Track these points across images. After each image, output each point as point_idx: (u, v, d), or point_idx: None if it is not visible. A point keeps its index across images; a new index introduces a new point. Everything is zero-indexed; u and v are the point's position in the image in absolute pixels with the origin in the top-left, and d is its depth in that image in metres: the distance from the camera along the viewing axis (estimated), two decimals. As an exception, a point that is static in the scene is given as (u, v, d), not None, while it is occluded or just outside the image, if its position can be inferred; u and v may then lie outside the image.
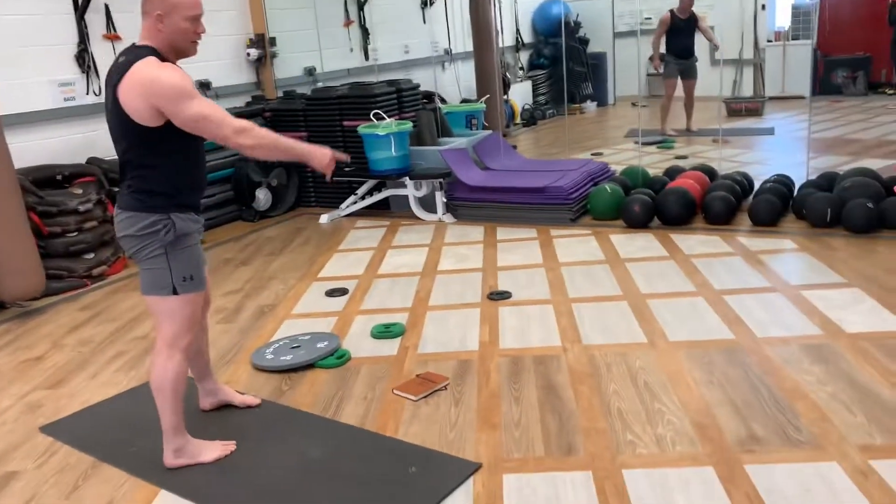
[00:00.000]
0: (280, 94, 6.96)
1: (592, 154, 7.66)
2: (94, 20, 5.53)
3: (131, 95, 2.24)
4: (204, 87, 6.37)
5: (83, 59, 5.46)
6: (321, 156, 2.49)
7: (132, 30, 5.74)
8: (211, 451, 2.59)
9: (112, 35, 5.64)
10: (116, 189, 5.40)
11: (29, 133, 5.13)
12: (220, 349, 3.61)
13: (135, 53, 2.32)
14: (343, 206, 6.16)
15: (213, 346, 3.63)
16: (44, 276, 4.45)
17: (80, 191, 4.95)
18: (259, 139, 2.33)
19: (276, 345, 3.54)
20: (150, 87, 2.23)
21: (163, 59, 2.33)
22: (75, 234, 4.84)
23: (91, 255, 4.92)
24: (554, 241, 4.95)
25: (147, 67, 2.26)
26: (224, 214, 6.22)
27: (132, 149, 2.35)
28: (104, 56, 5.56)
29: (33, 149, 5.13)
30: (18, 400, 3.24)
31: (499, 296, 3.98)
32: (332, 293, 4.27)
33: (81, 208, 4.87)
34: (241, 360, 3.46)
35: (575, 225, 5.28)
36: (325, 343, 3.48)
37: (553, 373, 3.08)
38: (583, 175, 5.71)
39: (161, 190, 2.35)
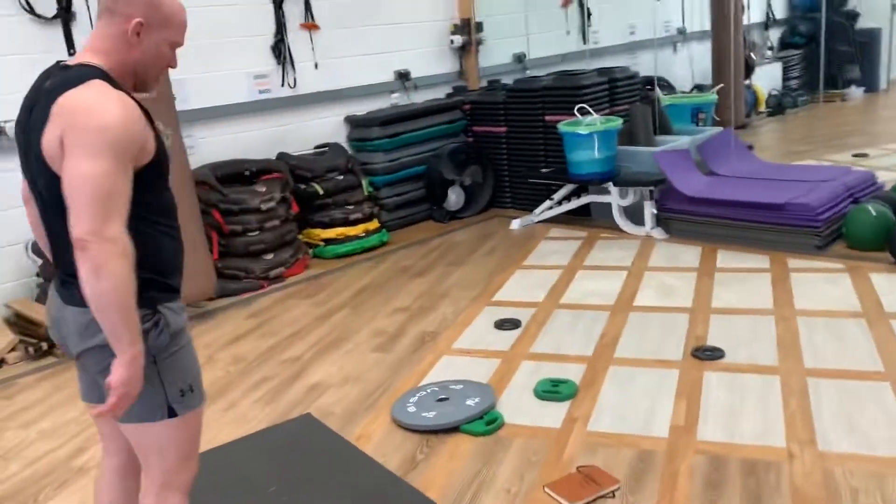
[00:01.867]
0: (484, 84, 6.43)
1: (854, 155, 6.25)
2: (292, 9, 5.35)
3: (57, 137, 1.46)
4: (403, 77, 6.01)
5: (279, 50, 5.30)
6: (136, 382, 1.49)
7: (331, 18, 5.50)
8: None
9: (309, 24, 5.43)
10: (303, 186, 5.35)
11: (223, 126, 5.07)
12: (366, 386, 3.17)
13: (69, 75, 1.51)
14: (537, 210, 5.50)
15: (362, 379, 3.21)
16: (215, 277, 4.32)
17: (263, 188, 4.79)
18: (114, 281, 1.40)
19: (423, 392, 3.01)
20: (76, 119, 1.44)
21: (114, 84, 1.53)
22: (256, 233, 4.69)
23: (270, 256, 4.75)
24: (791, 276, 3.91)
25: (91, 98, 1.46)
26: (414, 214, 5.83)
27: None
28: (300, 47, 5.38)
29: (227, 142, 5.07)
30: (151, 426, 3.03)
31: (707, 353, 3.12)
32: (502, 325, 3.65)
33: (264, 207, 4.70)
34: (383, 407, 2.97)
35: (823, 255, 4.17)
36: (478, 400, 2.88)
37: (767, 492, 2.21)
38: (838, 188, 4.53)
39: (140, 273, 1.48)
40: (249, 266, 4.66)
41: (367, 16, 5.77)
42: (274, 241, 4.75)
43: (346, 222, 5.21)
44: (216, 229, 4.64)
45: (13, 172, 4.16)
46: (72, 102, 1.45)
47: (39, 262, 4.19)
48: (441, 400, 2.92)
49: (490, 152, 5.98)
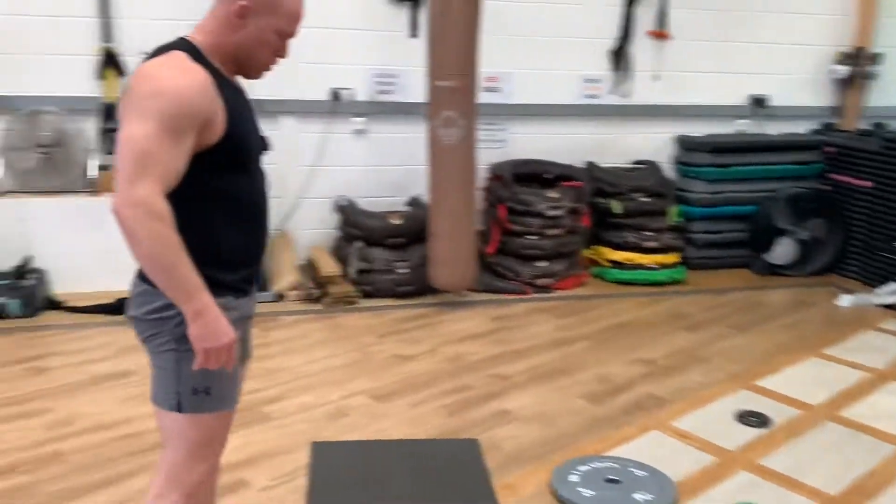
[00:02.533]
0: (863, 126, 5.34)
1: None
2: (644, 14, 5.00)
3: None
4: (758, 102, 5.28)
5: (618, 55, 5.01)
6: (220, 332, 1.44)
7: (687, 28, 5.04)
8: None
9: (660, 32, 5.04)
10: (602, 200, 4.99)
11: (540, 125, 4.99)
12: (550, 433, 2.86)
13: (160, 48, 1.50)
14: (880, 290, 4.42)
15: (552, 423, 2.90)
16: (476, 269, 4.29)
17: (556, 195, 4.61)
18: (145, 240, 1.35)
19: (598, 464, 2.60)
20: (135, 86, 1.42)
21: (205, 58, 1.49)
22: (535, 237, 4.55)
23: (543, 264, 4.58)
24: None
25: (154, 67, 1.43)
26: (726, 257, 5.13)
27: None
28: (643, 55, 5.03)
29: (538, 141, 4.98)
30: (343, 398, 3.12)
31: None
32: (745, 417, 3.00)
33: (550, 213, 4.54)
34: (546, 464, 2.64)
35: None
36: (648, 498, 2.39)
37: None
38: None
39: (201, 250, 1.48)
40: (519, 268, 4.55)
41: (731, 29, 5.15)
42: (551, 250, 4.57)
43: (639, 248, 4.79)
44: (499, 224, 4.61)
45: (335, 134, 4.68)
46: (139, 71, 1.44)
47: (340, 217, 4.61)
48: (610, 481, 2.49)
49: (845, 207, 4.98)
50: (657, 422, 2.98)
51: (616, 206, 4.80)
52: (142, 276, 1.52)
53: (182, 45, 1.49)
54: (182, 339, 1.49)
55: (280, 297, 4.25)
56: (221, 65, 1.53)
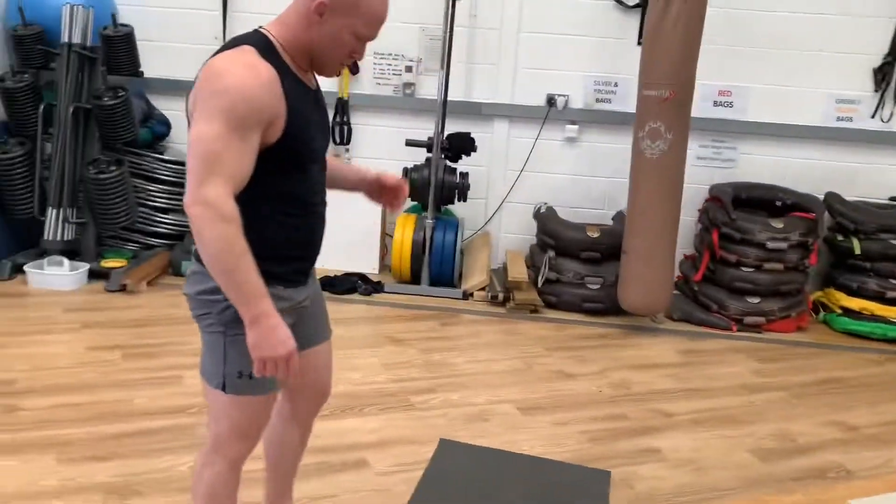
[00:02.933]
0: None
1: None
2: (923, 27, 4.27)
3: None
4: None
5: (884, 75, 4.34)
6: (276, 342, 1.44)
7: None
8: None
9: (943, 49, 4.27)
10: (839, 238, 4.29)
11: (777, 147, 4.50)
12: (696, 482, 2.55)
13: (233, 40, 1.49)
14: None
15: (704, 472, 2.61)
16: (671, 295, 3.97)
17: (780, 225, 4.11)
18: (212, 244, 1.36)
19: None
20: (202, 82, 1.42)
21: (277, 54, 1.49)
22: (751, 270, 4.10)
23: (755, 300, 4.11)
24: None
25: (222, 62, 1.42)
26: None
27: None
28: (914, 74, 4.30)
29: (768, 165, 4.50)
30: (489, 403, 3.07)
31: None
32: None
33: (770, 245, 4.06)
34: (684, 514, 2.36)
35: None
36: None
37: None
38: None
39: (260, 225, 1.52)
40: (726, 301, 4.13)
41: None
42: (767, 286, 4.08)
43: (881, 298, 4.11)
44: (710, 250, 4.22)
45: (546, 140, 4.60)
46: (207, 66, 1.42)
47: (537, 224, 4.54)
48: (745, 549, 2.15)
49: None
50: (834, 496, 2.52)
51: (857, 245, 4.15)
52: (197, 257, 1.56)
53: (254, 38, 1.49)
54: (229, 324, 1.52)
55: (467, 296, 4.30)
56: (294, 60, 1.53)
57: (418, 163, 4.41)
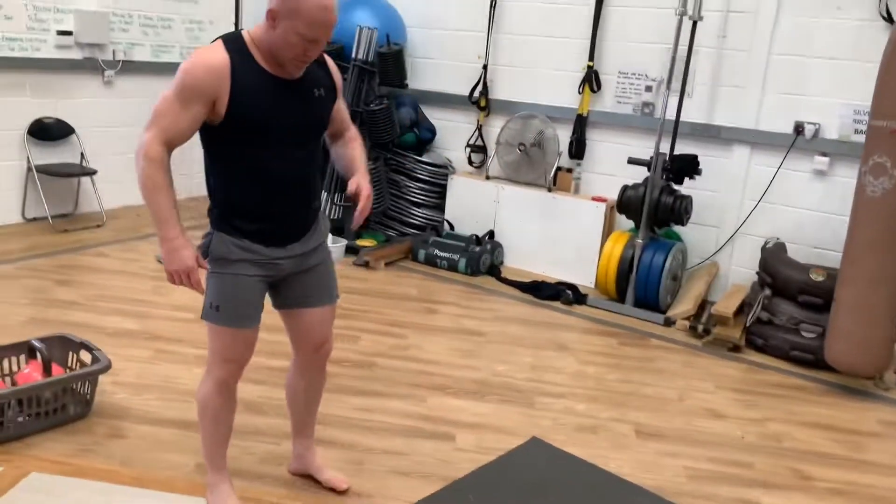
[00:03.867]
0: None
1: None
2: None
3: None
4: None
5: None
6: (177, 260, 1.91)
7: None
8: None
9: None
10: None
11: None
12: None
13: (220, 36, 1.94)
14: None
15: None
16: (889, 358, 3.40)
17: None
18: (139, 176, 1.85)
19: None
20: None
21: (245, 50, 1.88)
22: None
23: None
24: None
25: (198, 49, 1.92)
26: None
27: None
28: None
29: None
30: (610, 420, 3.05)
31: None
32: None
33: None
34: None
35: None
36: None
37: None
38: None
39: (215, 200, 2.01)
40: (978, 381, 3.39)
41: None
42: None
43: None
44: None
45: (791, 171, 4.20)
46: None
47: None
48: None
49: None
50: None
51: None
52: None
53: (231, 36, 1.91)
54: (211, 263, 1.98)
55: (669, 322, 4.17)
56: (264, 57, 1.89)
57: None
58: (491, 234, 5.08)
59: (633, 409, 3.16)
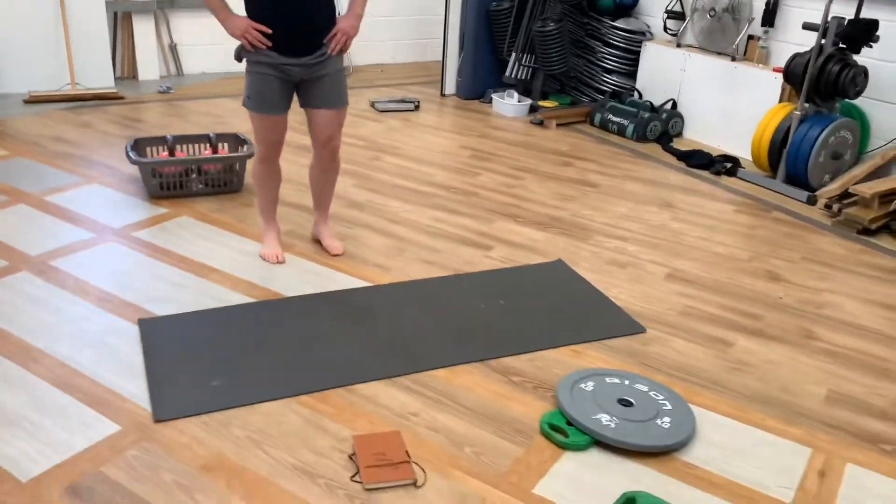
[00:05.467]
0: None
1: None
2: None
3: None
4: None
5: None
6: (232, 28, 2.61)
7: None
8: (266, 247, 3.00)
9: None
10: None
11: None
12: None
13: None
14: None
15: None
16: None
17: None
18: None
19: (614, 378, 2.23)
20: None
21: None
22: None
23: None
24: None
25: None
26: None
27: None
28: None
29: None
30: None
31: None
32: None
33: None
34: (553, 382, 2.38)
35: None
36: (670, 422, 2.07)
37: None
38: None
39: (247, 13, 2.62)
40: None
41: None
42: None
43: None
44: None
45: None
46: None
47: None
48: (624, 404, 2.17)
49: None
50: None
51: None
52: None
53: None
54: (247, 64, 2.66)
55: (811, 201, 3.94)
56: None
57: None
58: (673, 103, 5.05)
59: (684, 258, 3.25)
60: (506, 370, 2.38)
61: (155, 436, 2.01)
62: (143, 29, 5.65)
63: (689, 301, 2.89)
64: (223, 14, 2.62)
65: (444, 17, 5.60)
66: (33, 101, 5.02)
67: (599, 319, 2.72)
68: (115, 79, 5.57)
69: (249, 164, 3.42)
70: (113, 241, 3.12)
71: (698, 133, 4.92)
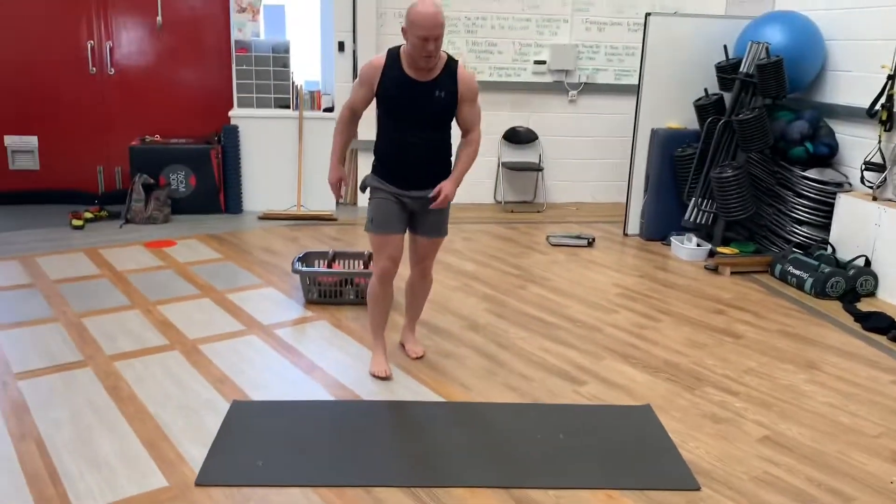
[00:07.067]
0: None
1: None
2: None
3: None
4: None
5: None
6: (329, 173, 3.11)
7: None
8: (374, 364, 3.25)
9: None
10: None
11: None
12: None
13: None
14: None
15: None
16: None
17: None
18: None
19: None
20: None
21: (397, 57, 2.91)
22: None
23: None
24: None
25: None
26: None
27: None
28: None
29: None
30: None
31: None
32: None
33: None
34: None
35: None
36: None
37: None
38: None
39: (374, 150, 3.09)
40: None
41: None
42: None
43: None
44: None
45: None
46: None
47: None
48: None
49: None
50: None
51: None
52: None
53: (393, 48, 2.96)
54: (370, 192, 3.09)
55: None
56: (406, 63, 2.89)
57: None
58: (865, 260, 4.59)
59: (793, 422, 2.94)
60: (527, 502, 2.37)
61: (189, 496, 2.34)
62: (366, 163, 6.54)
63: (772, 468, 2.62)
64: (333, 159, 3.11)
65: (629, 161, 5.75)
66: (265, 217, 6.03)
67: (653, 469, 2.57)
68: (337, 204, 6.47)
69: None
70: (256, 334, 3.65)
71: (895, 294, 4.39)
